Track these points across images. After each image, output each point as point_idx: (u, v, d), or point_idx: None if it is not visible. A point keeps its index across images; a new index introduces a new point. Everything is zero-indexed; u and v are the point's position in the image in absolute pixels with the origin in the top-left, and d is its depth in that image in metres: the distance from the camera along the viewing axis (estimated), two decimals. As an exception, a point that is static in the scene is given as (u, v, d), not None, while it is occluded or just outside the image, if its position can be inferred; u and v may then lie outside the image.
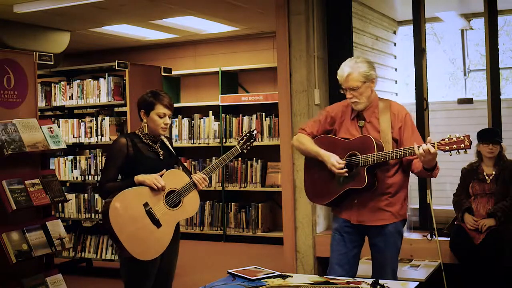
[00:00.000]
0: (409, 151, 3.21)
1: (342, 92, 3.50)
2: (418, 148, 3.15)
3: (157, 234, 3.27)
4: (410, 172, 3.48)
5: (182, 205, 3.36)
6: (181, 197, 3.36)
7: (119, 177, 3.41)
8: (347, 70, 3.41)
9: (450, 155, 3.14)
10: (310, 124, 3.66)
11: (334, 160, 3.38)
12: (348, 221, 3.49)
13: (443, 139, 3.16)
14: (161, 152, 3.46)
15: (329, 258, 3.59)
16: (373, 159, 3.28)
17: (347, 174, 3.36)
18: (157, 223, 3.27)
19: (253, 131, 3.68)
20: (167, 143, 3.53)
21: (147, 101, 3.38)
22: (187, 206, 3.38)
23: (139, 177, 3.28)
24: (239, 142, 3.65)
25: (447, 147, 3.12)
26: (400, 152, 3.24)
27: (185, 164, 7.97)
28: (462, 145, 3.09)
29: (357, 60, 3.46)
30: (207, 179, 3.45)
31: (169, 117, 3.41)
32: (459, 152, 3.12)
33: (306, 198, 3.72)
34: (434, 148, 3.13)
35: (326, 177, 3.48)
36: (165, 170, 3.36)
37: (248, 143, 3.65)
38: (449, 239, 4.84)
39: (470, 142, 3.10)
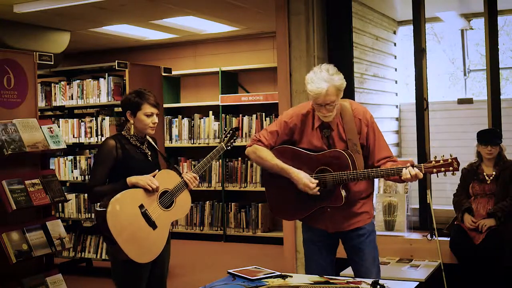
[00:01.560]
0: (392, 172, 3.09)
1: (314, 106, 3.22)
2: (405, 168, 3.04)
3: (153, 236, 3.25)
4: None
5: (174, 206, 3.35)
6: (174, 197, 3.35)
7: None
8: (325, 85, 3.09)
9: (438, 177, 3.05)
10: (267, 135, 3.37)
11: (307, 181, 3.18)
12: (324, 231, 3.35)
13: (430, 161, 3.04)
14: (149, 153, 3.44)
15: (306, 267, 3.48)
16: (350, 178, 3.14)
17: (318, 193, 3.20)
18: (153, 224, 3.25)
19: (235, 128, 3.70)
20: (153, 143, 3.51)
21: (133, 102, 3.33)
22: (180, 206, 3.37)
23: (131, 179, 3.25)
24: (223, 139, 3.66)
25: (434, 170, 3.01)
26: (383, 173, 3.12)
27: (185, 164, 7.98)
28: (451, 168, 2.98)
29: (329, 73, 3.13)
30: (198, 178, 3.43)
31: (156, 116, 3.38)
32: (445, 174, 3.02)
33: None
34: (422, 171, 3.02)
35: (294, 193, 3.28)
36: (157, 170, 3.34)
37: (232, 140, 3.66)
38: (449, 239, 4.84)
39: (458, 164, 2.99)
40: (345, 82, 3.20)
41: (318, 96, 3.12)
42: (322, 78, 3.12)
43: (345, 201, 3.20)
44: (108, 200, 3.17)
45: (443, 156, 3.05)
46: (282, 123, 3.36)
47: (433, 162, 3.03)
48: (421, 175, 3.03)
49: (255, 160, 3.43)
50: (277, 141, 3.37)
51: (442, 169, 3.00)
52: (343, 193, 3.19)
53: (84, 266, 6.43)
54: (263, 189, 3.54)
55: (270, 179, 3.41)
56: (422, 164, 3.03)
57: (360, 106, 3.35)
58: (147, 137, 3.46)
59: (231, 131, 3.68)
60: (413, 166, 3.05)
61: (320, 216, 3.33)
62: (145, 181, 3.24)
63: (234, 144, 3.68)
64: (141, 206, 3.24)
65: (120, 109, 6.42)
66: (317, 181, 3.21)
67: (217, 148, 3.58)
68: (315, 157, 3.25)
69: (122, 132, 3.42)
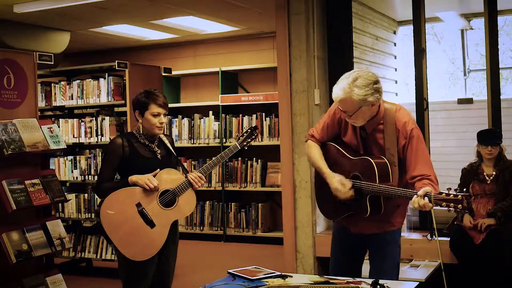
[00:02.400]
0: (408, 193, 2.96)
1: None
2: (416, 196, 2.88)
3: (151, 234, 3.25)
4: None
5: (177, 205, 3.33)
6: (176, 196, 3.33)
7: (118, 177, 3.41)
8: (340, 94, 2.99)
9: (449, 211, 2.95)
10: (319, 130, 3.35)
11: (338, 185, 3.09)
12: (347, 229, 3.33)
13: (441, 193, 2.89)
14: (159, 151, 3.44)
15: (330, 262, 3.49)
16: (375, 190, 3.02)
17: (350, 198, 3.09)
18: (150, 223, 3.24)
19: (254, 127, 3.61)
20: (166, 141, 3.50)
21: (141, 101, 3.37)
22: (183, 205, 3.36)
23: (132, 178, 3.26)
24: (238, 138, 3.58)
25: (444, 204, 2.89)
26: (401, 193, 2.98)
27: (185, 164, 7.98)
28: (460, 205, 2.83)
29: (352, 84, 2.97)
30: (204, 177, 3.40)
31: (164, 116, 3.38)
32: (457, 211, 2.95)
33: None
34: (431, 203, 2.89)
35: (331, 195, 3.20)
36: (158, 169, 3.33)
37: (248, 139, 3.57)
38: (449, 239, 4.84)
39: (468, 204, 2.85)
40: (372, 97, 2.98)
41: (335, 100, 3.08)
42: (342, 85, 3.01)
43: (370, 214, 3.08)
44: (105, 197, 3.18)
45: (457, 190, 2.97)
46: (331, 114, 3.29)
47: (444, 194, 2.89)
48: (429, 207, 2.89)
49: (307, 154, 3.40)
50: (328, 133, 3.31)
51: (451, 204, 2.86)
52: (369, 205, 3.07)
53: (84, 266, 6.42)
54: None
55: (318, 176, 3.37)
56: (432, 194, 2.88)
57: (404, 115, 3.13)
58: (161, 136, 3.47)
59: (249, 130, 3.58)
60: (424, 195, 2.90)
61: (348, 217, 3.27)
62: (143, 180, 3.24)
63: (250, 144, 3.57)
64: (138, 205, 3.23)
65: (120, 109, 6.45)
66: (350, 185, 3.10)
67: (229, 147, 3.52)
68: (352, 162, 3.17)
69: (133, 131, 3.45)
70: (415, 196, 2.91)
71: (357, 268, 3.42)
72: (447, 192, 2.89)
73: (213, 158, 3.48)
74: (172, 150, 3.51)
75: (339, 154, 3.24)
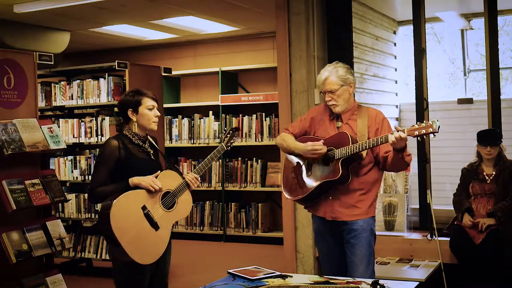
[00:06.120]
0: (381, 139, 3.30)
1: (321, 94, 3.68)
2: (391, 134, 3.25)
3: (155, 237, 3.25)
4: (385, 171, 3.63)
5: (176, 206, 3.34)
6: (176, 198, 3.34)
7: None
8: (325, 74, 3.60)
9: (419, 140, 3.27)
10: (293, 125, 3.83)
11: (309, 145, 3.51)
12: (324, 219, 3.59)
13: (413, 126, 3.24)
14: (151, 152, 3.44)
15: (319, 257, 3.77)
16: (347, 151, 3.40)
17: (325, 151, 3.47)
18: (155, 225, 3.24)
19: (234, 128, 3.73)
20: (153, 141, 3.50)
21: (132, 100, 3.36)
22: (181, 207, 3.37)
23: (134, 180, 3.24)
24: (223, 140, 3.66)
25: (416, 132, 3.20)
26: (373, 142, 3.33)
27: (185, 164, 7.98)
28: (430, 129, 3.16)
29: (336, 65, 3.63)
30: (199, 178, 3.44)
31: (157, 109, 3.41)
32: (427, 136, 3.21)
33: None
34: (404, 133, 3.21)
35: (303, 173, 3.63)
36: (159, 171, 3.33)
37: (231, 140, 3.67)
38: (449, 239, 4.84)
39: (438, 126, 3.16)
40: (351, 77, 3.61)
41: (319, 83, 3.64)
42: (326, 69, 3.64)
43: (341, 176, 3.40)
44: (111, 201, 3.16)
45: (425, 121, 3.26)
46: (306, 113, 3.84)
47: (415, 126, 3.23)
48: (404, 135, 3.20)
49: (279, 144, 3.80)
50: (300, 126, 3.75)
51: (423, 131, 3.18)
52: (341, 168, 3.41)
53: (84, 266, 6.42)
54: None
55: (287, 163, 3.77)
56: (405, 128, 3.23)
57: (374, 110, 3.70)
58: (148, 136, 3.46)
59: (231, 131, 3.69)
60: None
61: (322, 203, 3.59)
62: (148, 182, 3.23)
63: (234, 144, 3.70)
64: (144, 207, 3.23)
65: (120, 109, 6.43)
66: (321, 142, 3.51)
67: (217, 148, 3.56)
68: (327, 139, 3.57)
69: (124, 132, 3.42)
70: (390, 136, 3.24)
71: (344, 263, 3.60)
72: (417, 124, 3.21)
73: (204, 160, 3.50)
74: (159, 150, 3.51)
75: (314, 139, 3.62)
